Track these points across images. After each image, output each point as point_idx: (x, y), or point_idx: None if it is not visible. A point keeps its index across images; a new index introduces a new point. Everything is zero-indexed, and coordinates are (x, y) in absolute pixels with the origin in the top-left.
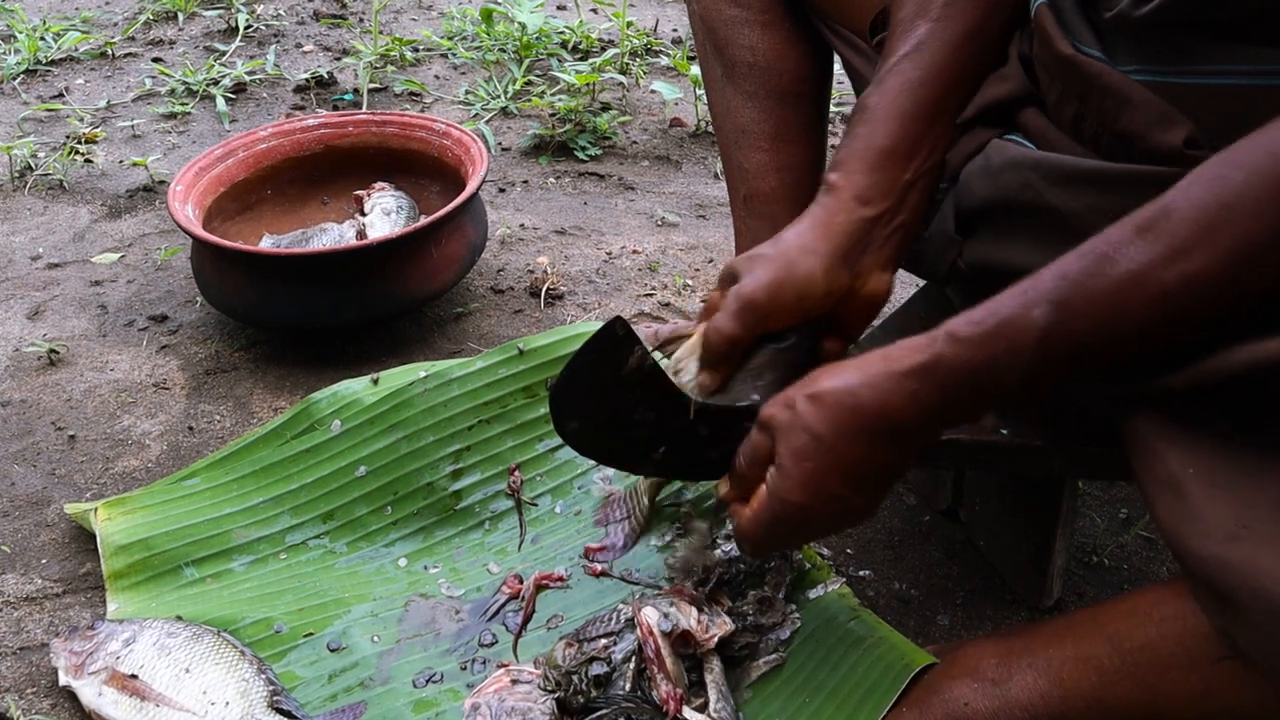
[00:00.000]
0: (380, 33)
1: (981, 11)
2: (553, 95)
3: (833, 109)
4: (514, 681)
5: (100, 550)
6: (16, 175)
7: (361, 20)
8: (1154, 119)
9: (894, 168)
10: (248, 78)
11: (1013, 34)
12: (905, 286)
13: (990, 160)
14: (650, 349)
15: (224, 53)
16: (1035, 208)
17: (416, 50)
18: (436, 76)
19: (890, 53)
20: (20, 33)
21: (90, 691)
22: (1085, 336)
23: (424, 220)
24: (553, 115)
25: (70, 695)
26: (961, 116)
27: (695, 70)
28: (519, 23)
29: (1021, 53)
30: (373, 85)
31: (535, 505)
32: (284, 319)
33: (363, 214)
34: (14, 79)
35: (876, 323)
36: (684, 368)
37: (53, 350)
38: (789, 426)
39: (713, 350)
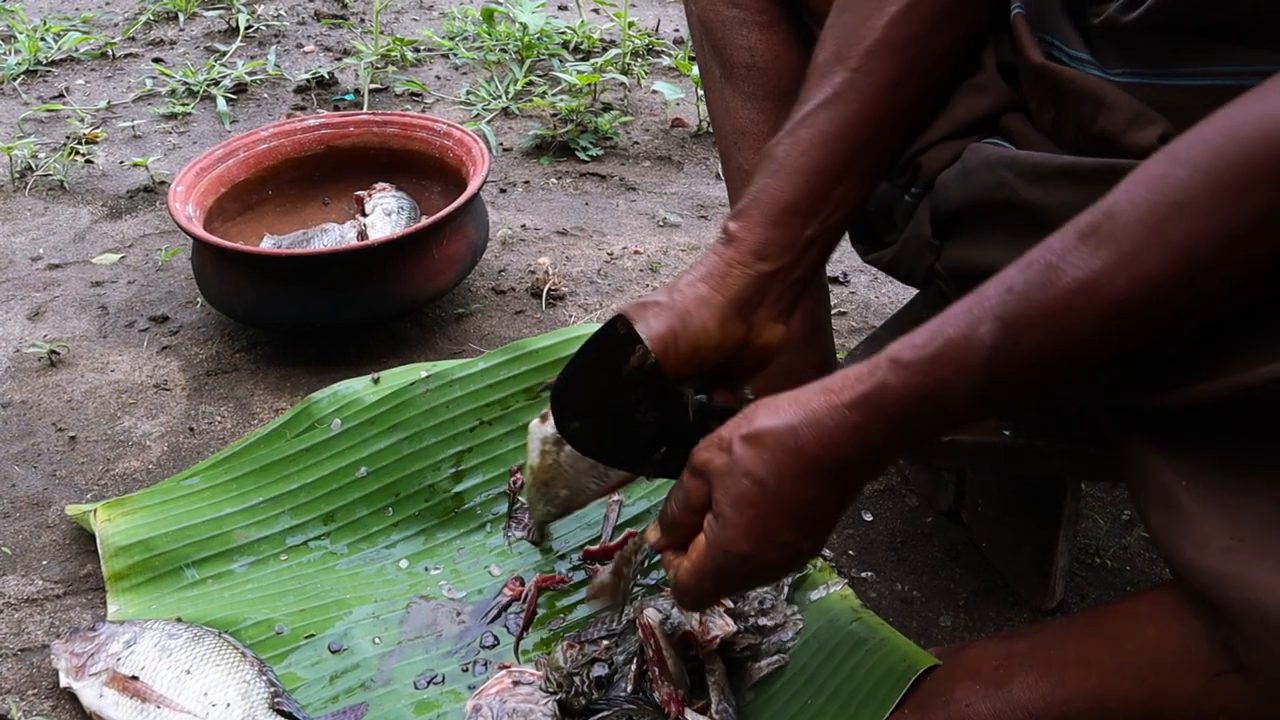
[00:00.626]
0: (381, 33)
1: (905, 60)
2: (554, 95)
3: None
4: (515, 683)
5: (101, 551)
6: (17, 176)
7: (362, 20)
8: (1129, 118)
9: (796, 224)
10: (248, 78)
11: (959, 66)
12: (907, 288)
13: (966, 163)
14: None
15: (225, 53)
16: (1011, 206)
17: (417, 50)
18: (437, 77)
19: (805, 99)
20: (21, 33)
21: (91, 693)
22: (1035, 352)
23: (425, 221)
24: (554, 115)
25: (71, 697)
26: (939, 134)
27: (697, 70)
28: (520, 23)
29: (1001, 61)
30: (374, 85)
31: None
32: (285, 320)
33: (364, 214)
34: (14, 79)
35: (877, 323)
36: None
37: (53, 351)
38: (726, 471)
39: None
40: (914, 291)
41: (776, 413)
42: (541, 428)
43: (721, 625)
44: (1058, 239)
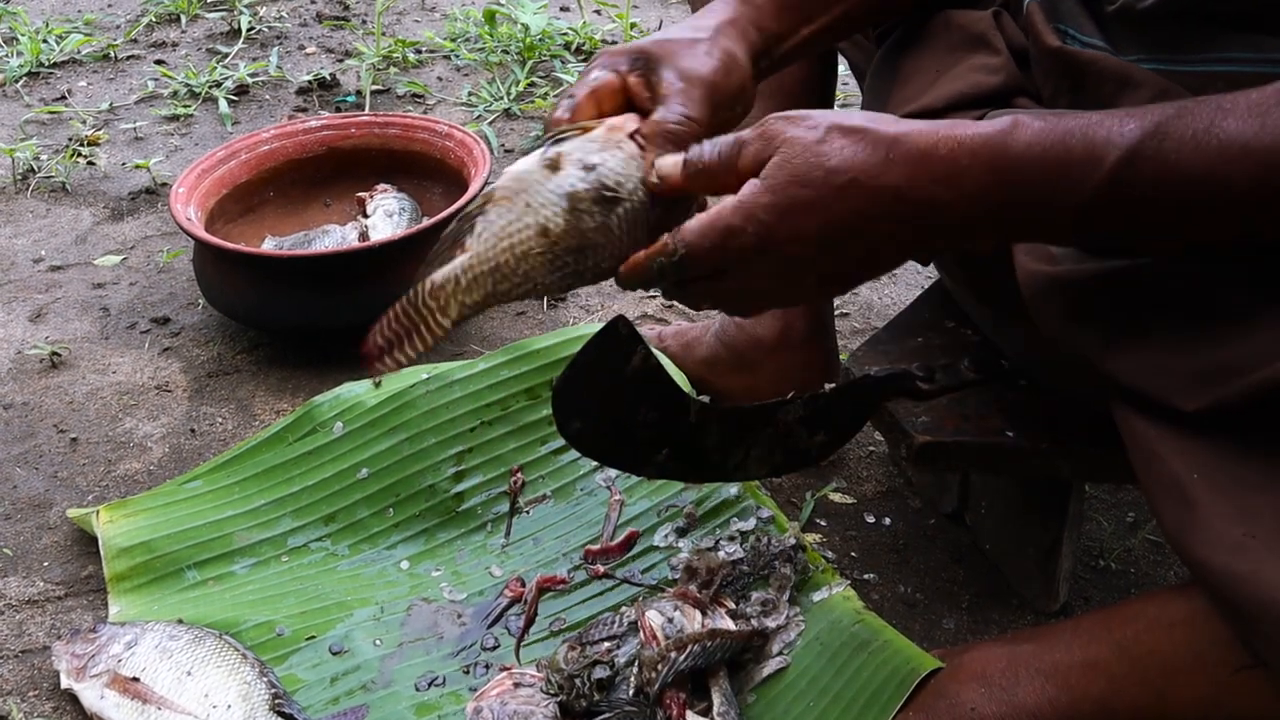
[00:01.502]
0: (383, 34)
1: None
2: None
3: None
4: (516, 685)
5: (102, 553)
6: (19, 178)
7: (364, 22)
8: (1156, 95)
9: (798, 19)
10: (250, 80)
11: None
12: (910, 289)
13: None
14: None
15: (226, 55)
16: None
17: (419, 52)
18: (439, 78)
19: None
20: (23, 35)
21: (92, 694)
22: (1169, 176)
23: (426, 222)
24: None
25: (72, 698)
26: (945, 103)
27: None
28: (522, 24)
29: (1012, 45)
30: (375, 87)
31: (527, 512)
32: (286, 321)
33: (365, 216)
34: (16, 81)
35: (879, 324)
36: (595, 161)
37: (55, 353)
38: (802, 146)
39: (677, 136)
40: (916, 294)
41: (879, 120)
42: (555, 177)
43: (724, 626)
44: (1229, 97)
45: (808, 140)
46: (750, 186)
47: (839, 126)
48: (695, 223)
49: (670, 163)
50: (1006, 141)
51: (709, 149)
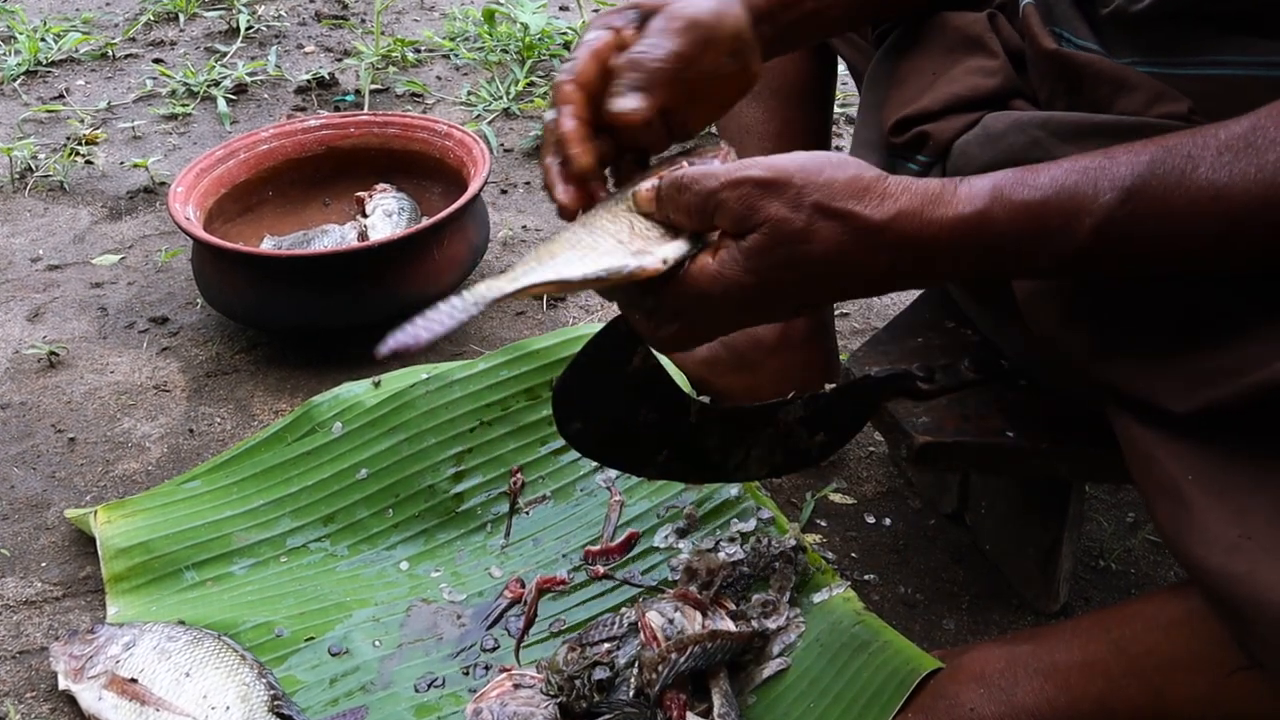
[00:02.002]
0: (382, 33)
1: None
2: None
3: (836, 110)
4: (516, 686)
5: (100, 553)
6: (17, 176)
7: (363, 21)
8: (1151, 98)
9: None
10: (249, 79)
11: None
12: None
13: (989, 127)
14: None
15: (225, 54)
16: None
17: (418, 51)
18: (438, 77)
19: None
20: (21, 34)
21: (90, 695)
22: (1145, 233)
23: (426, 222)
24: None
25: (70, 699)
26: (941, 105)
27: None
28: (521, 23)
29: (1009, 47)
30: (374, 86)
31: (527, 513)
32: (285, 321)
33: (364, 215)
34: (14, 80)
35: (879, 325)
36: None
37: (53, 352)
38: (791, 236)
39: (649, 70)
40: (916, 294)
41: (866, 197)
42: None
43: (725, 627)
44: (1200, 137)
45: (794, 225)
46: (732, 261)
47: (822, 208)
48: (704, 276)
49: (646, 188)
50: (987, 222)
51: (690, 191)
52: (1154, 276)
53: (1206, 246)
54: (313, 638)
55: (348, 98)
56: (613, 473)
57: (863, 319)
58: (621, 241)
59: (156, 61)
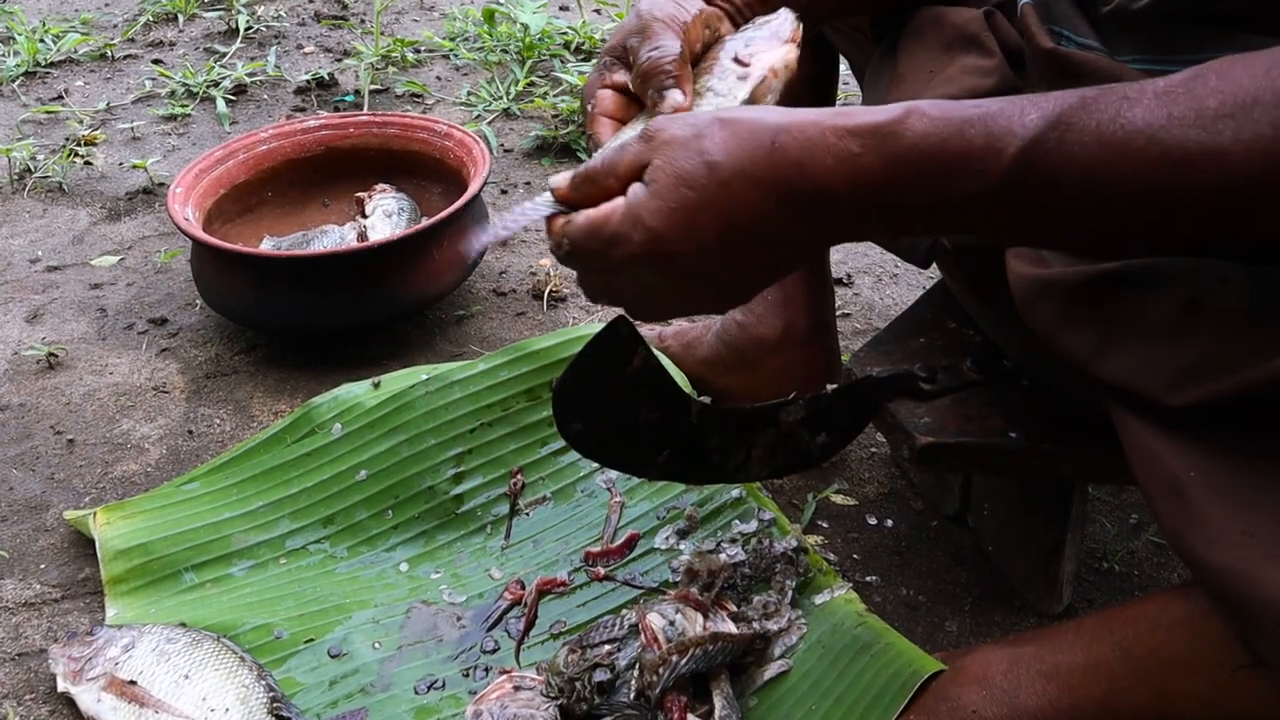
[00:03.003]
0: (381, 34)
1: None
2: (555, 96)
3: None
4: (516, 688)
5: (99, 555)
6: (16, 178)
7: (363, 21)
8: None
9: None
10: (248, 79)
11: None
12: (913, 288)
13: None
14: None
15: (224, 54)
16: None
17: (418, 51)
18: (438, 78)
19: None
20: (19, 34)
21: (89, 698)
22: (1073, 168)
23: (426, 222)
24: (555, 116)
25: (68, 701)
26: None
27: None
28: (521, 23)
29: (1006, 45)
30: (374, 86)
31: (527, 514)
32: (284, 322)
33: (364, 216)
34: (13, 81)
35: (881, 325)
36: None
37: (51, 353)
38: (682, 143)
39: (669, 66)
40: (918, 294)
41: (766, 111)
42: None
43: (725, 629)
44: (1138, 84)
45: (687, 136)
46: (635, 190)
47: (721, 119)
48: (581, 219)
49: (562, 177)
50: (899, 129)
51: (595, 160)
52: (1079, 243)
53: (1142, 203)
54: (312, 639)
55: (347, 98)
56: (613, 474)
57: (864, 320)
58: None
59: (156, 62)
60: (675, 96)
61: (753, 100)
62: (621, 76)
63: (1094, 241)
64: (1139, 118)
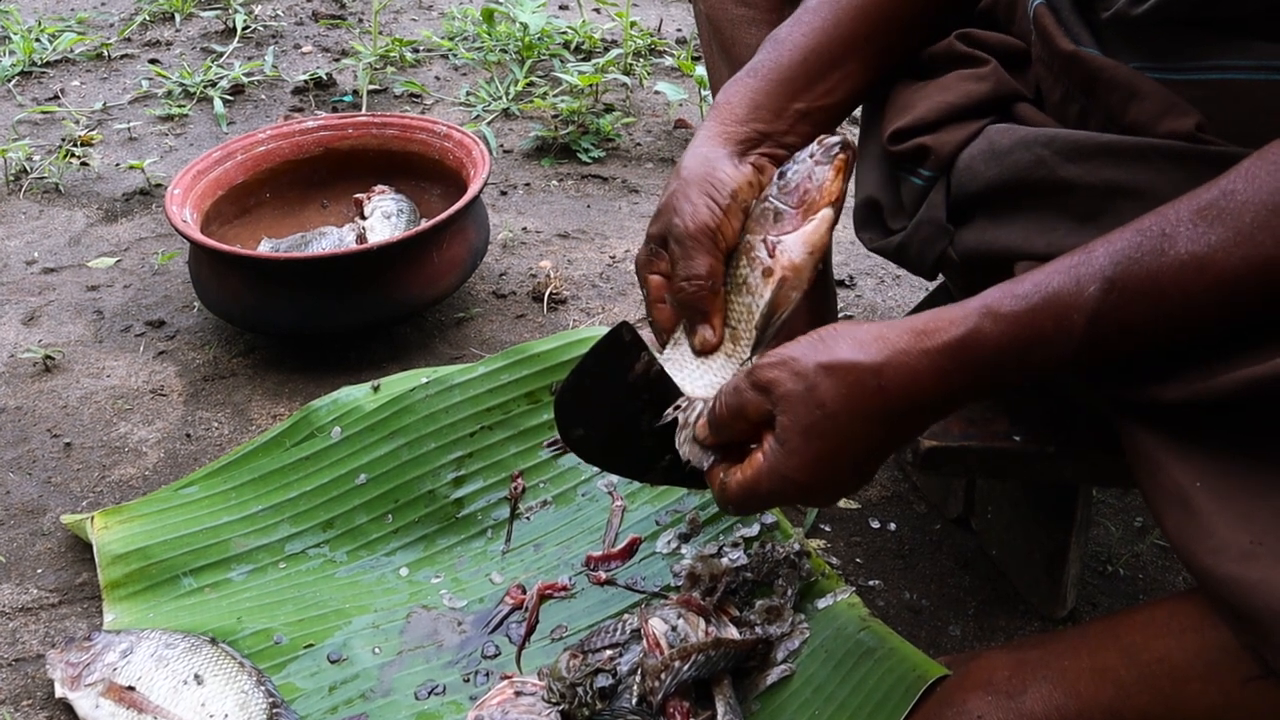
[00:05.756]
0: (380, 33)
1: None
2: (555, 96)
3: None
4: (517, 693)
5: (97, 560)
6: (12, 179)
7: (361, 21)
8: (1163, 109)
9: (788, 93)
10: (246, 79)
11: None
12: (915, 289)
13: (995, 142)
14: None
15: (221, 54)
16: (1044, 185)
17: (417, 51)
18: (437, 78)
19: None
20: (15, 34)
21: (87, 703)
22: (1138, 318)
23: (425, 224)
24: (555, 117)
25: (66, 707)
26: (937, 115)
27: (700, 71)
28: (521, 23)
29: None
30: (372, 87)
31: (528, 518)
32: (283, 324)
33: (363, 217)
34: (9, 81)
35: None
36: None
37: (48, 356)
38: (798, 399)
39: (696, 301)
40: (920, 295)
41: (860, 347)
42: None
43: (727, 634)
44: (1172, 211)
45: (801, 391)
46: (772, 449)
47: (824, 366)
48: (734, 485)
49: (701, 427)
50: (980, 339)
51: (721, 407)
52: (1177, 349)
53: (1210, 316)
54: (312, 645)
55: (346, 98)
56: (614, 477)
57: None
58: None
59: (152, 62)
60: (705, 334)
61: (775, 304)
62: (665, 265)
63: (1175, 348)
64: (1183, 251)
